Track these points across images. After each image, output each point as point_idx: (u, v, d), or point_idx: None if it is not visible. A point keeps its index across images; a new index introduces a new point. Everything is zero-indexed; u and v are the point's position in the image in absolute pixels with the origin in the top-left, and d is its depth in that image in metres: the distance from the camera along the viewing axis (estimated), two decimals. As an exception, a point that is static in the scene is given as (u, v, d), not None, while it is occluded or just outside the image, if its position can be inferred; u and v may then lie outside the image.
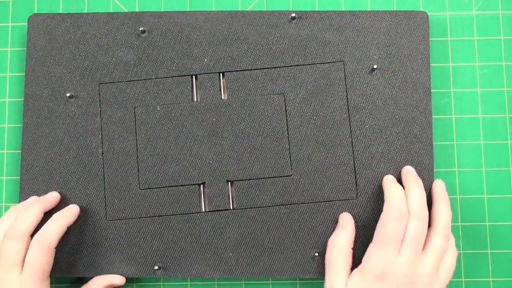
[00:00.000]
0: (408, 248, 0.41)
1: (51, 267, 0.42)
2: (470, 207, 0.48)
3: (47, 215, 0.44)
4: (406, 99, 0.47)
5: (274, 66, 0.47)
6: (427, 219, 0.42)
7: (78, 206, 0.46)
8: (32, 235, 0.43)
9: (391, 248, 0.41)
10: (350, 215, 0.46)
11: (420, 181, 0.44)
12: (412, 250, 0.41)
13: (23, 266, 0.41)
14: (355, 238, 0.45)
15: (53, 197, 0.46)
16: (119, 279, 0.46)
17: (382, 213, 0.42)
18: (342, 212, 0.46)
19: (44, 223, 0.43)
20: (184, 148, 0.47)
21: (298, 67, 0.47)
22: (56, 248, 0.42)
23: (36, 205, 0.44)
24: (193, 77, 0.48)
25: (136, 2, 0.50)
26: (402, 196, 0.43)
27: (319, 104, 0.47)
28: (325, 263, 0.44)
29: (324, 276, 0.44)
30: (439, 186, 0.45)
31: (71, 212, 0.44)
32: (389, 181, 0.45)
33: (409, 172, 0.45)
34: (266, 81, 0.47)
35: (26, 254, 0.42)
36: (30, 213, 0.43)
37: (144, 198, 0.47)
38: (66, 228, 0.43)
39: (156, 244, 0.46)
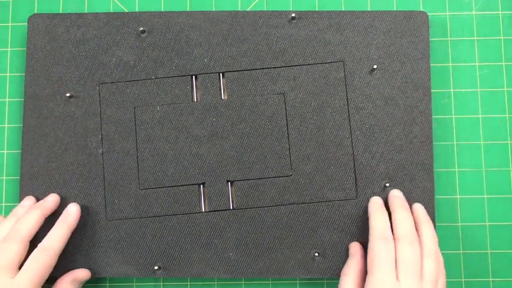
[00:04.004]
0: (407, 275, 0.40)
1: (48, 275, 0.42)
2: (470, 207, 0.48)
3: (48, 217, 0.45)
4: (406, 99, 0.47)
5: (274, 66, 0.47)
6: (418, 243, 0.41)
7: (78, 206, 0.45)
8: (32, 241, 0.43)
9: (387, 274, 0.40)
10: (358, 244, 0.45)
11: (407, 205, 0.44)
12: (412, 276, 0.40)
13: (16, 271, 0.41)
14: (362, 243, 0.45)
15: (53, 200, 0.45)
16: (83, 273, 0.45)
17: (369, 242, 0.42)
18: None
19: (44, 227, 0.43)
20: (184, 148, 0.47)
21: (298, 67, 0.47)
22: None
23: (37, 210, 0.43)
24: (193, 77, 0.48)
25: (136, 2, 0.50)
26: (387, 220, 0.43)
27: (319, 104, 0.47)
28: None
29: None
30: (419, 210, 0.44)
31: (72, 217, 0.44)
32: (374, 207, 0.44)
33: (395, 196, 0.45)
34: (266, 81, 0.47)
35: (21, 259, 0.41)
36: (31, 218, 0.43)
37: (144, 198, 0.47)
38: (69, 234, 0.44)
39: (156, 244, 0.46)
